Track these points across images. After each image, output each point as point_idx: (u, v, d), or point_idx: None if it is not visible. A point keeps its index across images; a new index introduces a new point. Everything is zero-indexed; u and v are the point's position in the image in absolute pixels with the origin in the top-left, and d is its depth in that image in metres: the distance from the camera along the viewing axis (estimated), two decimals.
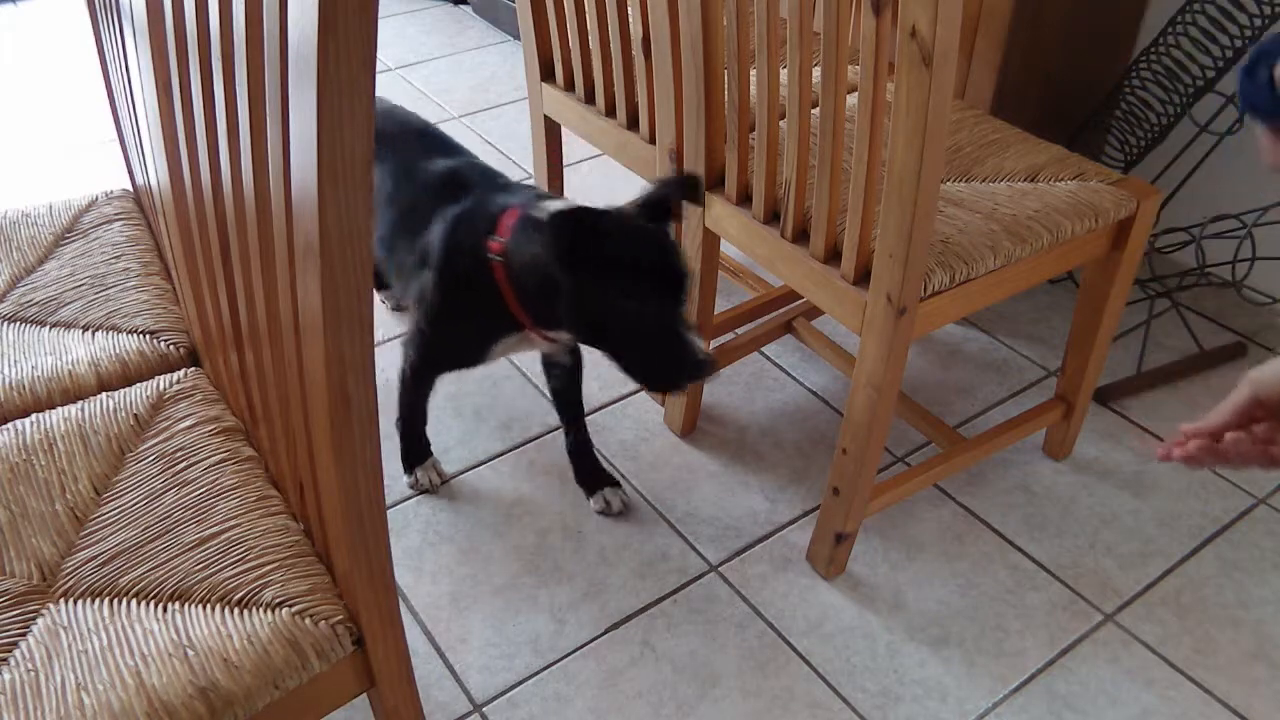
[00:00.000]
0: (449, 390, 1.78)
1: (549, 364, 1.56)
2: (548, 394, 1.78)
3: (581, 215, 1.14)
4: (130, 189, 1.46)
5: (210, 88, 0.80)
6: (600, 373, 1.83)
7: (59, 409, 1.04)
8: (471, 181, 1.38)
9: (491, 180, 1.40)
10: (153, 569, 0.87)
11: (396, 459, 1.65)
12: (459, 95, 2.80)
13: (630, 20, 1.56)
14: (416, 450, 1.61)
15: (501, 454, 1.66)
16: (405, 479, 1.61)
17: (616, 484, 1.58)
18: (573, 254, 1.14)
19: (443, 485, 1.61)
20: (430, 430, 1.70)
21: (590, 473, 1.58)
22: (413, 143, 1.48)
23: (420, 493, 1.60)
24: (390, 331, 1.93)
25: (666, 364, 1.18)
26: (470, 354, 1.41)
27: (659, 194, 1.23)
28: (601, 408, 1.76)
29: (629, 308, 1.16)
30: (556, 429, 1.71)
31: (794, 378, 1.83)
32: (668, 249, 1.18)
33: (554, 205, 1.23)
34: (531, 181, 2.02)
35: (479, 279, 1.27)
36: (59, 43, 3.07)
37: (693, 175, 1.31)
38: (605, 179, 2.41)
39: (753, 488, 1.61)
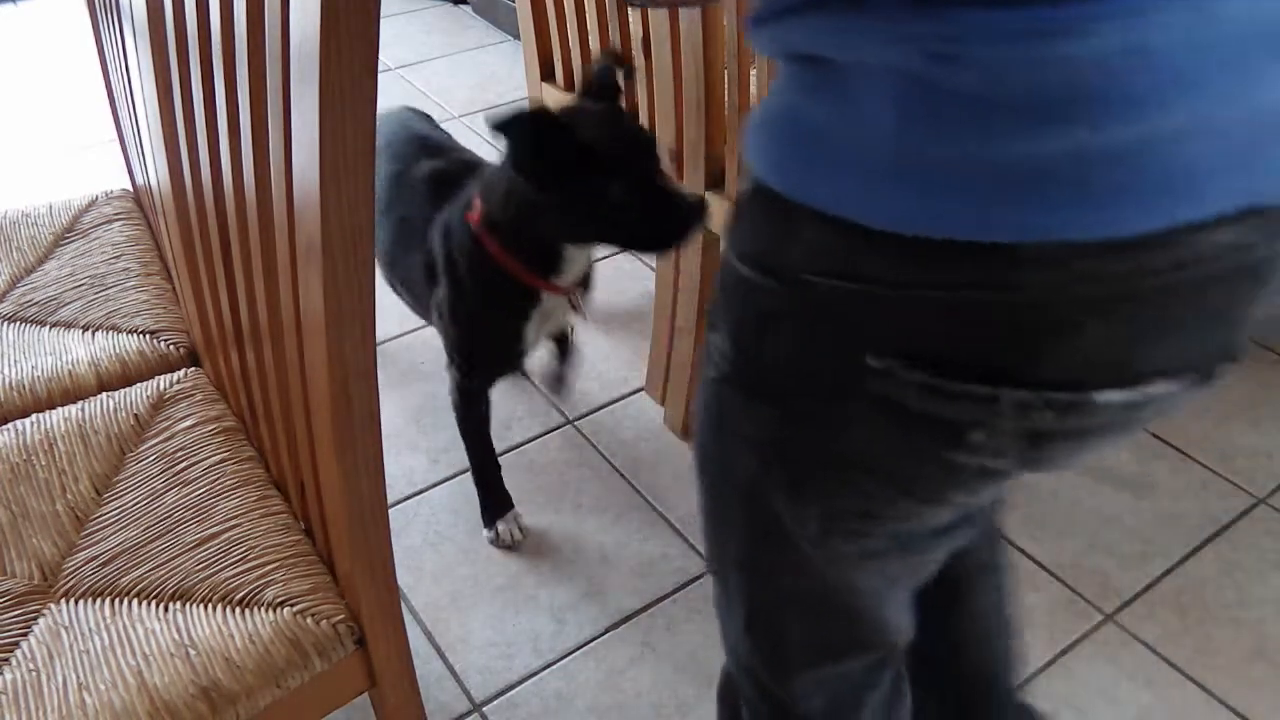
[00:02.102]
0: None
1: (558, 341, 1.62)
2: (548, 394, 1.78)
3: (523, 115, 1.12)
4: (130, 189, 1.46)
5: (211, 87, 0.80)
6: (600, 372, 1.83)
7: (59, 409, 1.04)
8: (457, 178, 1.36)
9: (474, 168, 1.39)
10: (154, 569, 0.87)
11: (397, 459, 1.65)
12: (459, 95, 2.80)
13: (630, 20, 1.56)
14: (496, 499, 1.51)
15: (501, 454, 1.66)
16: (485, 533, 1.51)
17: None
18: (534, 156, 1.13)
19: (525, 541, 1.52)
20: (430, 430, 1.70)
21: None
22: (406, 150, 1.45)
23: (502, 549, 1.50)
24: (389, 332, 1.93)
25: (662, 221, 1.19)
26: (509, 347, 1.36)
27: (593, 76, 1.26)
28: (601, 408, 1.76)
29: (603, 185, 1.15)
30: (557, 429, 1.71)
31: None
32: (615, 119, 1.22)
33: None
34: None
35: (481, 265, 1.26)
36: (59, 43, 3.07)
37: (612, 50, 1.34)
38: None
39: None
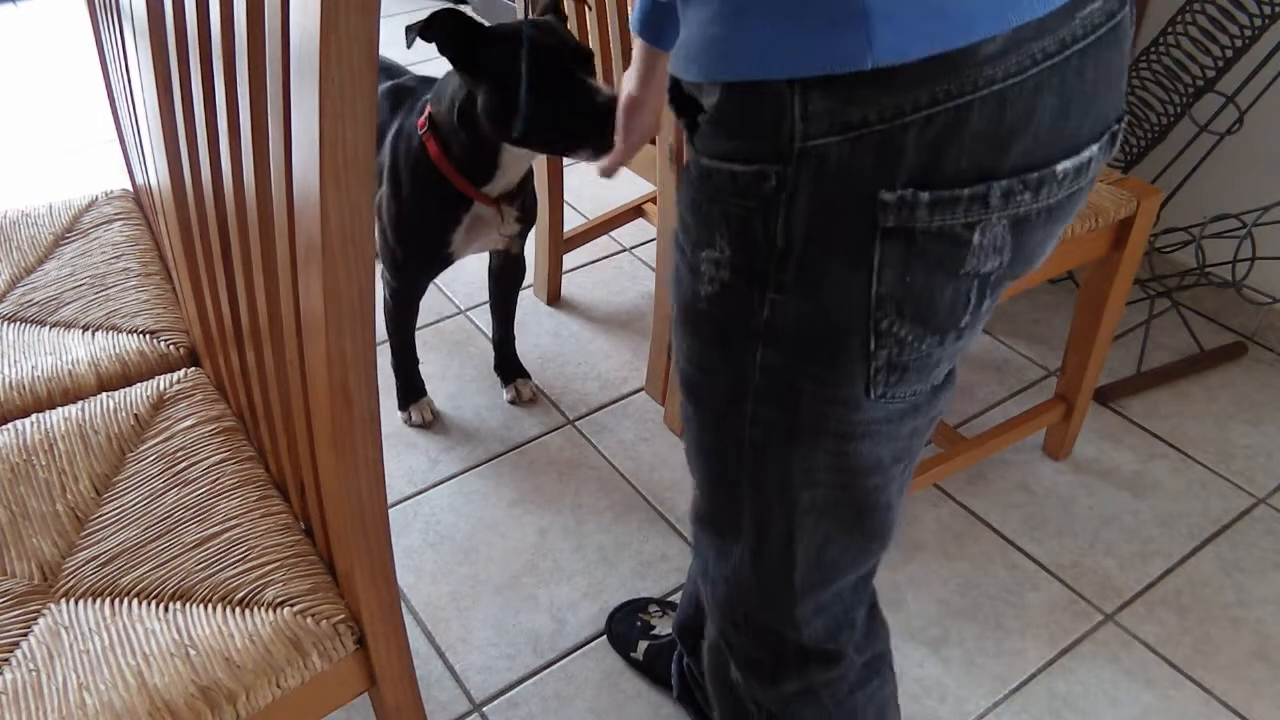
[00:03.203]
0: (450, 390, 1.78)
1: (494, 267, 1.68)
2: (548, 394, 1.78)
3: (442, 12, 1.22)
4: (130, 189, 1.46)
5: (211, 87, 0.80)
6: (600, 372, 1.83)
7: (59, 409, 1.04)
8: (413, 93, 1.49)
9: (432, 84, 1.46)
10: (154, 569, 0.87)
11: (397, 459, 1.65)
12: None
13: (631, 20, 1.56)
14: (412, 387, 1.71)
15: (502, 454, 1.66)
16: (399, 415, 1.71)
17: (528, 376, 1.78)
18: (453, 42, 1.23)
19: (435, 422, 1.72)
20: (430, 430, 1.70)
21: (508, 366, 1.77)
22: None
23: (414, 428, 1.70)
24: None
25: (577, 117, 1.24)
26: (436, 247, 1.48)
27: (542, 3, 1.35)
28: (601, 408, 1.76)
29: (519, 76, 1.24)
30: (557, 429, 1.71)
31: None
32: (544, 26, 1.28)
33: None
34: None
35: (420, 164, 1.39)
36: (59, 43, 3.07)
37: None
38: (605, 179, 2.40)
39: None
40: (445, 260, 1.52)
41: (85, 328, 1.19)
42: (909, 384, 0.69)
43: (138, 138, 1.27)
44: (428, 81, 1.51)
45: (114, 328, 1.18)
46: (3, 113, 2.71)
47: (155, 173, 1.08)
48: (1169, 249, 1.95)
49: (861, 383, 0.68)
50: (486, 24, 1.27)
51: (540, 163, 1.98)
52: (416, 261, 1.53)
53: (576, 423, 1.73)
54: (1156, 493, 1.60)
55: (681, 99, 0.69)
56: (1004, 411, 1.75)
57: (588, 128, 1.25)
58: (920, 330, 0.66)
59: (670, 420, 1.72)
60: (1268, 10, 1.56)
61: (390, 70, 1.59)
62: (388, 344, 1.66)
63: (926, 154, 0.59)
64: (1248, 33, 1.59)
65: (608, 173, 1.15)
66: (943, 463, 1.46)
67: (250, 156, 0.74)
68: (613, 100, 1.23)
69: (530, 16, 1.33)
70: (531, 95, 1.25)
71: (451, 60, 1.27)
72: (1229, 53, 1.62)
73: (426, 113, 1.38)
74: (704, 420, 0.77)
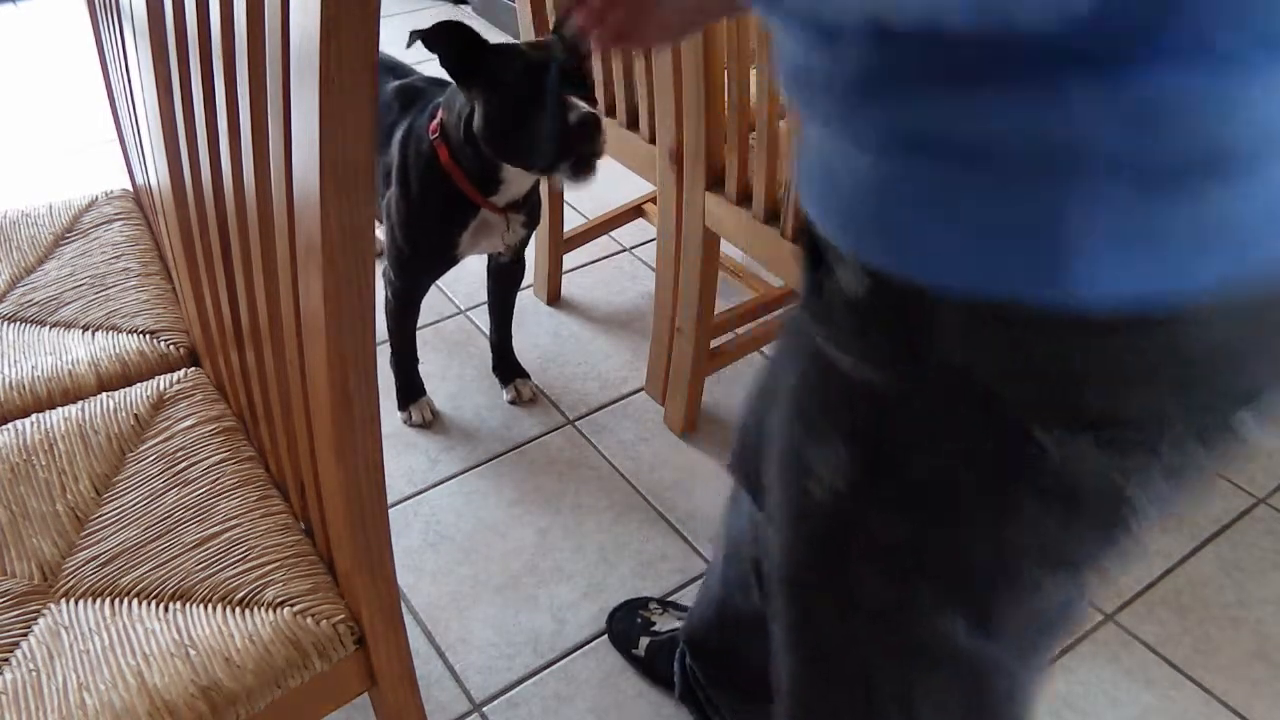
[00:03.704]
0: (450, 390, 1.78)
1: (493, 267, 1.68)
2: (548, 394, 1.78)
3: (444, 24, 1.26)
4: (130, 189, 1.46)
5: (211, 87, 0.80)
6: (600, 372, 1.83)
7: (59, 409, 1.04)
8: (423, 94, 1.49)
9: (442, 88, 1.46)
10: (154, 569, 0.87)
11: (397, 458, 1.65)
12: None
13: None
14: (411, 387, 1.71)
15: (502, 454, 1.66)
16: (399, 415, 1.71)
17: (527, 376, 1.78)
18: (456, 55, 1.26)
19: (434, 421, 1.72)
20: (430, 430, 1.70)
21: (507, 366, 1.77)
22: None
23: (414, 428, 1.70)
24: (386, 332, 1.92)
25: (556, 135, 1.23)
26: (441, 249, 1.49)
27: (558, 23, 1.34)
28: (601, 408, 1.76)
29: (508, 92, 1.25)
30: (557, 429, 1.71)
31: None
32: (537, 43, 1.30)
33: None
34: None
35: (430, 168, 1.39)
36: (59, 43, 3.07)
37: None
38: (605, 179, 2.40)
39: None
40: (450, 261, 1.53)
41: (85, 328, 1.18)
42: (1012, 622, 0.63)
43: (138, 138, 1.27)
44: (437, 82, 1.51)
45: (114, 328, 1.18)
46: (3, 113, 2.71)
47: (155, 173, 1.08)
48: None
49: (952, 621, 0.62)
50: (492, 41, 1.28)
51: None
52: (422, 262, 1.54)
53: (576, 423, 1.73)
54: None
55: (811, 245, 0.61)
56: None
57: (559, 146, 1.24)
58: (1054, 572, 0.59)
59: (670, 420, 1.72)
60: None
61: (397, 69, 1.60)
62: (388, 343, 1.67)
63: (1098, 392, 0.51)
64: None
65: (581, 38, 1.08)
66: None
67: (250, 156, 0.74)
68: (588, 118, 1.21)
69: (555, 51, 1.31)
70: (508, 110, 1.26)
71: (450, 72, 1.29)
72: None
73: (438, 118, 1.39)
74: (801, 632, 0.70)
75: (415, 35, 1.22)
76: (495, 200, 1.42)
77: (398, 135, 1.45)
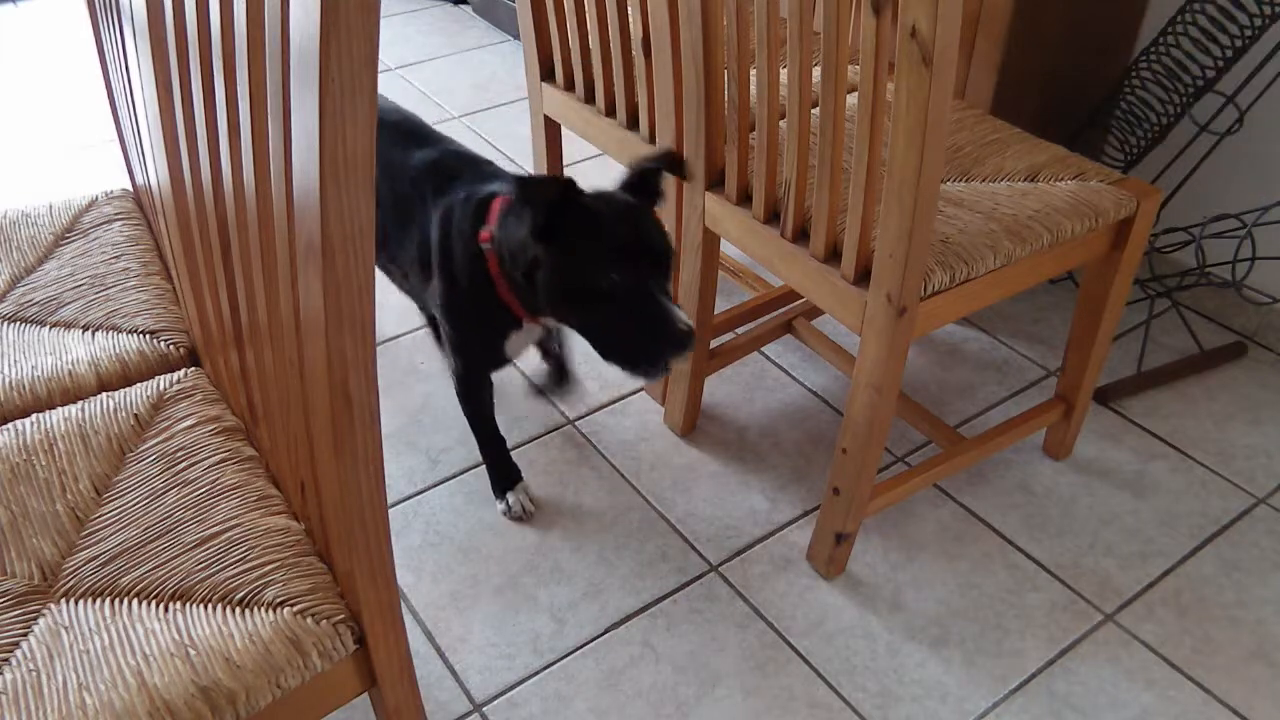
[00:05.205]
0: (450, 390, 1.78)
1: (544, 350, 1.63)
2: (550, 396, 1.78)
3: (554, 181, 1.14)
4: (130, 189, 1.46)
5: (211, 87, 0.80)
6: (600, 372, 1.83)
7: (59, 409, 1.04)
8: (457, 171, 1.39)
9: (477, 168, 1.40)
10: (154, 569, 0.87)
11: (397, 459, 1.65)
12: (459, 95, 2.80)
13: (630, 20, 1.56)
14: (504, 471, 1.55)
15: None
16: (498, 505, 1.56)
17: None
18: (546, 221, 1.13)
19: (537, 513, 1.56)
20: (430, 430, 1.70)
21: (562, 373, 1.71)
22: (391, 135, 1.46)
23: (514, 520, 1.55)
24: (389, 332, 1.93)
25: (645, 340, 1.14)
26: (490, 353, 1.41)
27: (641, 169, 1.23)
28: (601, 408, 1.76)
29: (601, 278, 1.13)
30: (557, 429, 1.71)
31: (794, 377, 1.83)
32: (642, 219, 1.18)
33: None
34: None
35: (475, 273, 1.29)
36: (59, 43, 3.07)
37: (672, 150, 1.28)
38: (605, 179, 2.40)
39: (753, 487, 1.61)
40: (500, 362, 1.44)
41: (85, 328, 1.19)
42: None
43: (138, 138, 1.27)
44: (467, 162, 1.41)
45: (114, 328, 1.18)
46: (3, 113, 2.71)
47: (155, 173, 1.08)
48: (1169, 249, 1.95)
49: None
50: (586, 197, 1.16)
51: (540, 156, 1.98)
52: (480, 359, 1.46)
53: (576, 423, 1.73)
54: (1156, 493, 1.60)
55: None
56: (1004, 411, 1.75)
57: (647, 354, 1.15)
58: None
59: (670, 420, 1.72)
60: (1268, 10, 1.56)
61: (417, 134, 1.47)
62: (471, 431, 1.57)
63: None
64: (1248, 33, 1.59)
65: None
66: (943, 463, 1.46)
67: (250, 156, 0.74)
68: (690, 334, 1.12)
69: (625, 195, 1.21)
70: (598, 307, 1.15)
71: (538, 232, 1.15)
72: (1229, 53, 1.62)
73: (489, 227, 1.27)
74: None
75: (520, 184, 1.13)
76: (543, 320, 1.31)
77: (434, 218, 1.34)
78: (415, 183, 1.39)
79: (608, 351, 1.19)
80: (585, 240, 1.14)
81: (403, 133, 1.47)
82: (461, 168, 1.39)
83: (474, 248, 1.28)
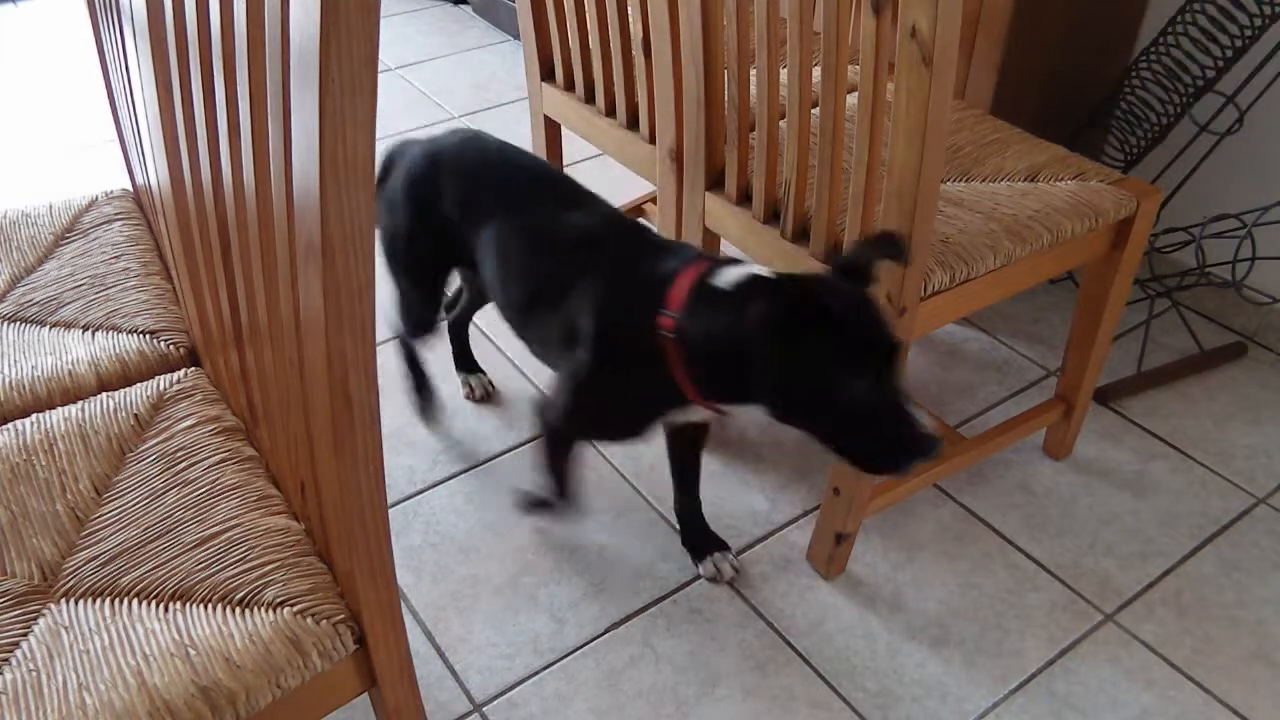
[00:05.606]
0: (450, 390, 1.78)
1: (674, 429, 1.43)
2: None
3: (791, 287, 1.05)
4: (130, 189, 1.46)
5: (211, 87, 0.80)
6: None
7: (59, 409, 1.04)
8: (620, 242, 1.24)
9: (638, 238, 1.25)
10: (154, 569, 0.87)
11: (397, 459, 1.65)
12: (459, 95, 2.80)
13: (630, 20, 1.56)
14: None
15: (502, 454, 1.66)
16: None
17: (727, 548, 1.48)
18: (785, 327, 1.02)
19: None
20: (432, 430, 1.70)
21: (701, 536, 1.49)
22: (531, 193, 1.32)
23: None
24: (386, 333, 1.93)
25: (887, 443, 1.05)
26: (630, 430, 1.29)
27: (859, 255, 1.10)
28: None
29: (842, 381, 1.03)
30: None
31: None
32: (873, 312, 1.06)
33: (736, 273, 1.10)
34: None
35: (644, 356, 1.14)
36: (59, 43, 3.07)
37: (895, 234, 1.12)
38: (605, 179, 2.40)
39: (752, 488, 1.61)
40: (636, 438, 1.30)
41: (85, 328, 1.19)
42: None
43: (138, 138, 1.27)
44: (634, 232, 1.26)
45: (114, 328, 1.18)
46: (3, 113, 2.71)
47: (155, 173, 1.08)
48: (1169, 249, 1.95)
49: None
50: (820, 297, 1.04)
51: (540, 156, 1.98)
52: (602, 433, 1.36)
53: None
54: (1156, 493, 1.60)
55: None
56: (1004, 411, 1.75)
57: (891, 459, 1.06)
58: None
59: None
60: (1268, 10, 1.56)
61: (571, 196, 1.32)
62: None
63: None
64: (1248, 33, 1.59)
65: None
66: (943, 462, 1.46)
67: (250, 156, 0.74)
68: (936, 441, 1.04)
69: (842, 280, 1.08)
70: (841, 413, 1.05)
71: (767, 334, 1.03)
72: (1229, 53, 1.62)
73: (676, 316, 1.12)
74: None
75: (748, 286, 1.03)
76: (725, 409, 1.17)
77: (593, 297, 1.19)
78: (568, 252, 1.25)
79: (838, 450, 1.09)
80: (817, 339, 1.02)
81: (546, 188, 1.33)
82: (624, 238, 1.25)
83: (650, 331, 1.13)
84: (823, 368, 1.03)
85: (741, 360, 1.06)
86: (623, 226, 1.27)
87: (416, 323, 1.54)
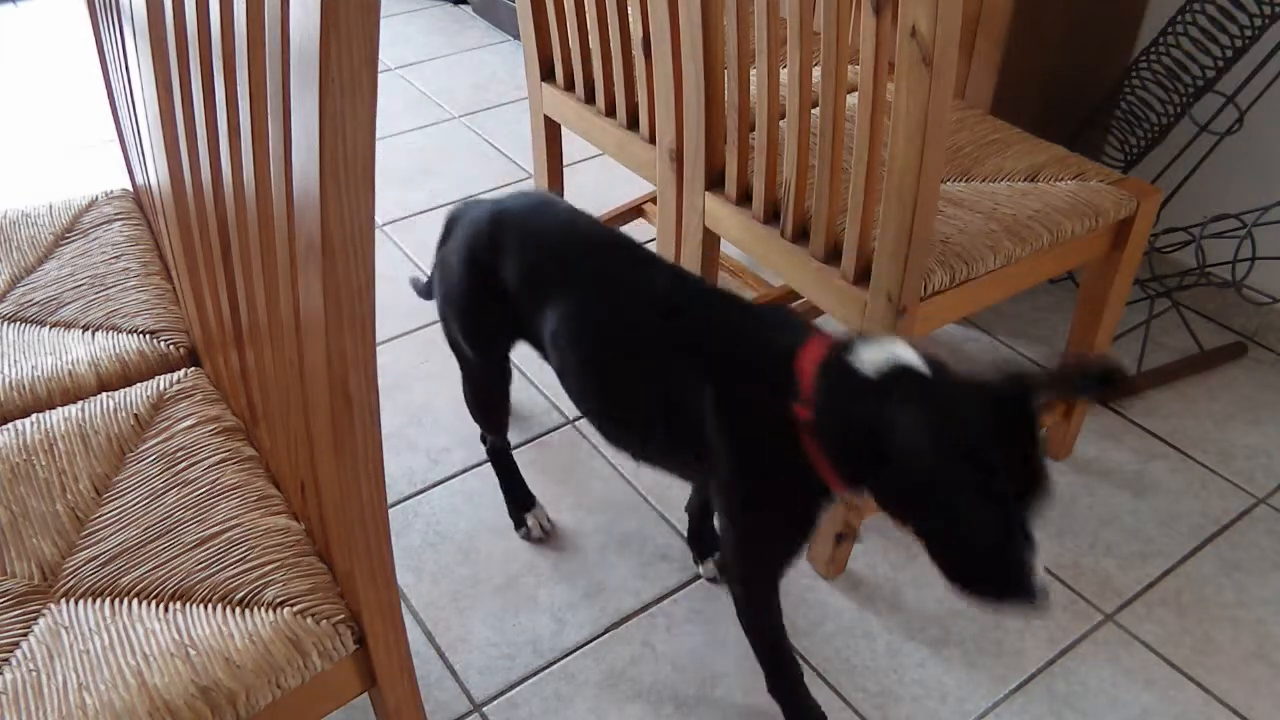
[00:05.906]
0: (451, 391, 1.78)
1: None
2: (548, 394, 1.78)
3: (953, 395, 0.96)
4: (130, 189, 1.46)
5: (211, 87, 0.80)
6: None
7: (59, 409, 1.04)
8: (725, 322, 1.12)
9: (740, 313, 1.13)
10: (154, 569, 0.87)
11: (397, 459, 1.65)
12: (459, 95, 2.80)
13: (630, 20, 1.56)
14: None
15: None
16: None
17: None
18: (944, 444, 0.93)
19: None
20: (430, 430, 1.70)
21: (704, 535, 1.47)
22: (608, 263, 1.19)
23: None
24: (389, 332, 1.92)
25: (993, 578, 0.98)
26: (798, 537, 1.16)
27: (1046, 379, 0.98)
28: None
29: (980, 510, 0.94)
30: (557, 429, 1.71)
31: None
32: (1039, 449, 0.96)
33: (878, 356, 0.99)
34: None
35: (783, 446, 1.05)
36: (59, 43, 3.07)
37: (1116, 364, 1.03)
38: (605, 179, 2.40)
39: None
40: (805, 544, 1.18)
41: (85, 328, 1.19)
42: None
43: (138, 138, 1.27)
44: (724, 303, 1.13)
45: (114, 328, 1.18)
46: (3, 113, 2.71)
47: (155, 173, 1.08)
48: (1169, 249, 1.95)
49: None
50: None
51: (540, 156, 1.98)
52: (782, 552, 1.18)
53: (576, 423, 1.73)
54: (1156, 493, 1.60)
55: None
56: None
57: (988, 594, 0.98)
58: None
59: None
60: (1268, 10, 1.56)
61: (649, 267, 1.18)
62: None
63: None
64: (1248, 33, 1.59)
65: None
66: None
67: (250, 156, 0.74)
68: (1043, 597, 0.96)
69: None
70: (953, 533, 0.97)
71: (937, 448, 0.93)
72: (1229, 53, 1.62)
73: (805, 401, 1.02)
74: None
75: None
76: (859, 493, 1.06)
77: (713, 390, 1.07)
78: (653, 325, 1.13)
79: (936, 558, 1.01)
80: (972, 464, 0.93)
81: (625, 262, 1.19)
82: (721, 314, 1.12)
83: (784, 419, 1.03)
84: (966, 492, 0.93)
85: (871, 448, 0.97)
86: (718, 302, 1.14)
87: (483, 402, 1.46)
